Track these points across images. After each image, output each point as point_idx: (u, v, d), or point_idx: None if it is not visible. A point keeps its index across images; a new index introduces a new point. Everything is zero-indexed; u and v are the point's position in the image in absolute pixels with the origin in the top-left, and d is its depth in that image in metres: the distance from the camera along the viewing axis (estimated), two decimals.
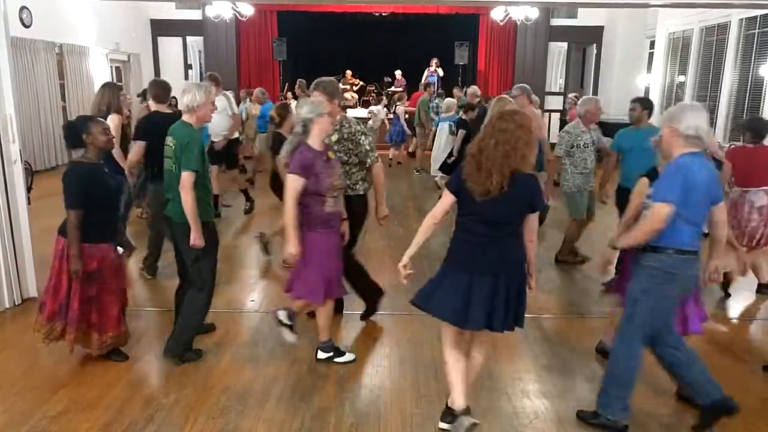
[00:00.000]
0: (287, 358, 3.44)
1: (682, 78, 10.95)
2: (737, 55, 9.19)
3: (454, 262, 2.68)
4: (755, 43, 8.80)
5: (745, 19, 8.97)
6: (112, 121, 4.99)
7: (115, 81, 12.53)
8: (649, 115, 4.66)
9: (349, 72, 14.56)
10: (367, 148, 3.60)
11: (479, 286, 2.52)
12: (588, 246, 5.37)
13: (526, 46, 14.41)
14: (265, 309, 4.23)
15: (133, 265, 5.02)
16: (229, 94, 7.21)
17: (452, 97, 10.61)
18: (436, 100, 10.84)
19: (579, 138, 4.97)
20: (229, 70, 13.94)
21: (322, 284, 3.19)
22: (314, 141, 3.15)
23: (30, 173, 6.99)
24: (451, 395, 2.70)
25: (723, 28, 9.53)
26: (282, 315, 3.30)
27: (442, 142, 8.29)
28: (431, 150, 8.92)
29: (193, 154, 3.08)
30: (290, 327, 3.29)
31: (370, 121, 11.57)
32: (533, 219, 2.58)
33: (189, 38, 14.52)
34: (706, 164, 2.63)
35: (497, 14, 13.64)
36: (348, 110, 12.91)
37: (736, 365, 3.54)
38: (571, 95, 10.95)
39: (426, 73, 13.93)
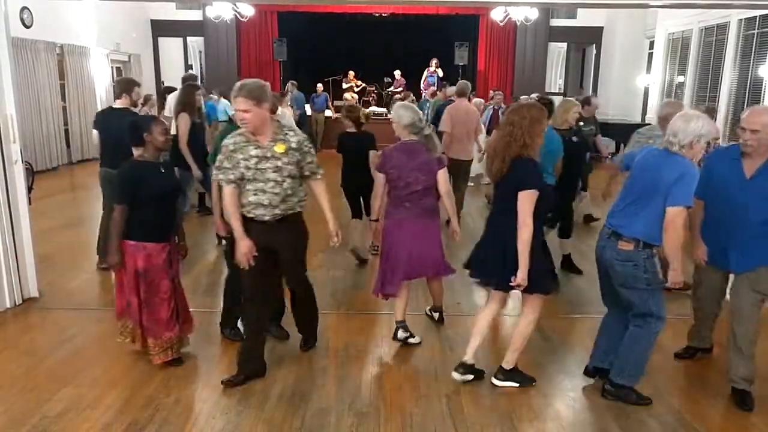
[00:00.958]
0: (287, 358, 3.44)
1: (681, 78, 10.96)
2: (736, 56, 9.20)
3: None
4: (754, 43, 8.81)
5: (745, 19, 8.99)
6: (183, 120, 5.02)
7: (114, 81, 12.56)
8: None
9: (351, 73, 14.57)
10: (315, 159, 3.18)
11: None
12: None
13: (526, 47, 14.42)
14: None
15: None
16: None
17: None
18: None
19: (652, 141, 4.90)
20: (230, 70, 13.96)
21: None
22: None
23: (31, 173, 6.98)
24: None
25: (722, 29, 9.55)
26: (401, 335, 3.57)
27: None
28: None
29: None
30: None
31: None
32: (521, 198, 2.81)
33: (189, 39, 14.55)
34: None
35: (497, 15, 13.65)
36: None
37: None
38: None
39: (426, 73, 13.94)
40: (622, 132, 10.34)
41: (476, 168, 7.59)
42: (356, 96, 14.78)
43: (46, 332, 3.79)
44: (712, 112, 6.19)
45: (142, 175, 3.13)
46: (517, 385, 3.15)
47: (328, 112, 13.29)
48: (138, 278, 3.15)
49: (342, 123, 5.28)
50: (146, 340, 3.25)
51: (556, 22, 14.25)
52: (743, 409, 2.96)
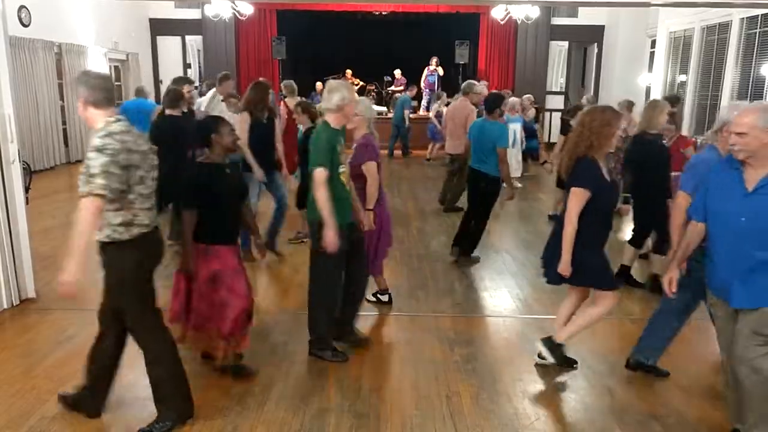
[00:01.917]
0: (287, 359, 3.43)
1: (683, 77, 10.93)
2: (738, 55, 9.17)
3: None
4: (756, 42, 8.78)
5: (746, 18, 8.96)
6: (243, 119, 5.00)
7: (114, 80, 12.53)
8: None
9: (349, 71, 14.54)
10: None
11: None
12: None
13: (527, 45, 14.38)
14: (265, 309, 4.21)
15: None
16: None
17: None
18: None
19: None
20: (229, 69, 13.80)
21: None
22: None
23: (28, 173, 6.98)
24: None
25: (724, 28, 9.52)
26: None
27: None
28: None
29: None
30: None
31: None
32: (570, 195, 3.01)
33: (188, 37, 14.51)
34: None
35: (498, 13, 13.61)
36: None
37: None
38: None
39: (426, 72, 13.91)
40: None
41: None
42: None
43: (44, 333, 3.77)
44: (631, 107, 6.57)
45: (209, 178, 3.04)
46: (553, 361, 3.31)
47: None
48: (210, 282, 3.02)
49: (298, 118, 5.29)
50: (215, 343, 3.08)
51: (557, 21, 14.22)
52: None
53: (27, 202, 4.34)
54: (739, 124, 2.35)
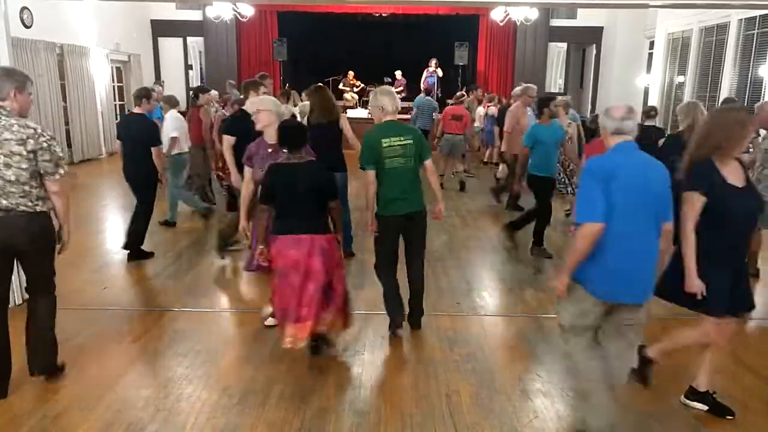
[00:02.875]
0: (287, 358, 3.44)
1: (681, 78, 10.96)
2: (736, 56, 9.20)
3: None
4: (754, 43, 8.81)
5: (745, 19, 8.98)
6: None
7: (115, 81, 12.57)
8: None
9: (351, 73, 14.58)
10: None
11: None
12: None
13: (526, 47, 14.41)
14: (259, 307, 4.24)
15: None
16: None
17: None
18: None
19: None
20: (230, 70, 13.96)
21: None
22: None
23: None
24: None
25: (722, 29, 9.54)
26: None
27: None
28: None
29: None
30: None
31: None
32: (682, 200, 2.68)
33: (189, 39, 14.54)
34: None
35: (497, 15, 13.65)
36: (348, 111, 12.92)
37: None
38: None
39: (425, 73, 13.94)
40: None
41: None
42: (356, 96, 14.78)
43: None
44: (567, 107, 6.80)
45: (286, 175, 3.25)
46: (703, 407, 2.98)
47: None
48: (299, 270, 3.17)
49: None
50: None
51: (556, 22, 14.25)
52: None
53: None
54: None
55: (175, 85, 13.20)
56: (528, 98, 6.96)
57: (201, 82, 14.61)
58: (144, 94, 5.38)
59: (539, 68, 14.39)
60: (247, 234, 3.80)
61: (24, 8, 9.39)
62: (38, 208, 2.92)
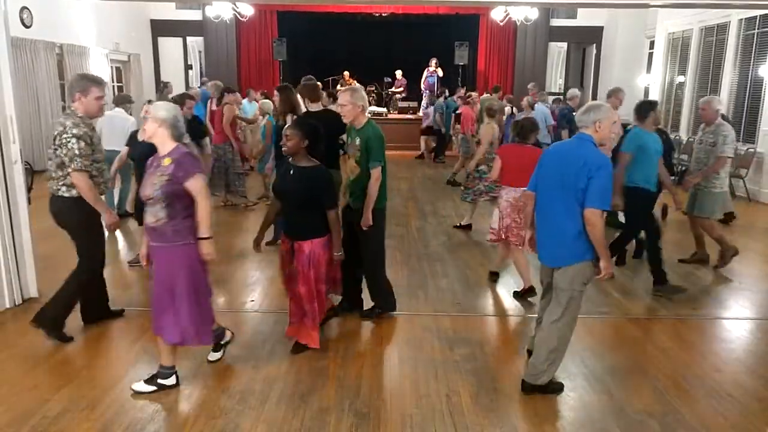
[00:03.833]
0: (287, 358, 3.44)
1: (681, 78, 10.96)
2: (737, 56, 9.19)
3: None
4: (754, 43, 8.81)
5: (745, 19, 8.98)
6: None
7: (115, 81, 12.56)
8: None
9: (346, 73, 14.58)
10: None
11: None
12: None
13: (526, 47, 14.42)
14: (265, 309, 4.24)
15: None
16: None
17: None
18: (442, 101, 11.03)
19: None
20: (230, 70, 13.96)
21: None
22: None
23: (30, 173, 6.99)
24: None
25: (722, 29, 9.54)
26: None
27: None
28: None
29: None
30: None
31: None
32: None
33: (189, 38, 14.54)
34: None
35: (497, 14, 13.65)
36: None
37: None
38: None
39: (425, 73, 13.94)
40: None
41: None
42: None
43: None
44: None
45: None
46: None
47: None
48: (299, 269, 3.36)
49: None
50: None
51: (556, 22, 14.25)
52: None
53: (29, 202, 4.36)
54: None
55: (174, 85, 13.19)
56: (617, 101, 6.31)
57: (201, 82, 14.61)
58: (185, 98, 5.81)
59: (539, 68, 14.39)
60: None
61: (24, 8, 9.39)
62: (60, 193, 3.45)
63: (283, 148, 3.39)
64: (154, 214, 2.85)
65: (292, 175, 3.35)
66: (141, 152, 4.12)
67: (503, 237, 4.51)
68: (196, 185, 2.84)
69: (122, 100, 6.60)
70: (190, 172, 2.83)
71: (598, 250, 2.89)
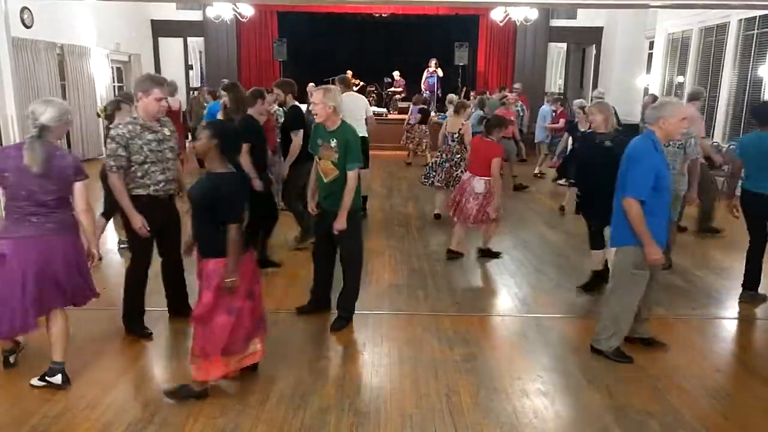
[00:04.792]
0: (287, 359, 3.45)
1: (681, 78, 10.96)
2: (736, 56, 9.20)
3: None
4: (754, 43, 8.81)
5: (744, 19, 8.99)
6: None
7: (115, 81, 12.57)
8: None
9: (349, 72, 14.59)
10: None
11: None
12: None
13: (526, 47, 14.42)
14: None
15: None
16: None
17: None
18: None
19: None
20: (230, 70, 13.96)
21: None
22: None
23: None
24: None
25: (722, 29, 9.55)
26: None
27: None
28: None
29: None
30: None
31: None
32: None
33: (190, 39, 14.55)
34: None
35: (497, 15, 13.65)
36: None
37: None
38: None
39: (425, 73, 13.94)
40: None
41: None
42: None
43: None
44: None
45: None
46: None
47: None
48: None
49: None
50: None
51: (555, 23, 14.26)
52: None
53: None
54: None
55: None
56: (697, 102, 5.97)
57: (201, 82, 14.63)
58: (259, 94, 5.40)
59: (539, 68, 14.40)
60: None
61: (24, 8, 9.39)
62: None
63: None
64: None
65: (197, 180, 3.01)
66: None
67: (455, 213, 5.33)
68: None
69: (123, 100, 6.60)
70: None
71: (639, 237, 3.14)
